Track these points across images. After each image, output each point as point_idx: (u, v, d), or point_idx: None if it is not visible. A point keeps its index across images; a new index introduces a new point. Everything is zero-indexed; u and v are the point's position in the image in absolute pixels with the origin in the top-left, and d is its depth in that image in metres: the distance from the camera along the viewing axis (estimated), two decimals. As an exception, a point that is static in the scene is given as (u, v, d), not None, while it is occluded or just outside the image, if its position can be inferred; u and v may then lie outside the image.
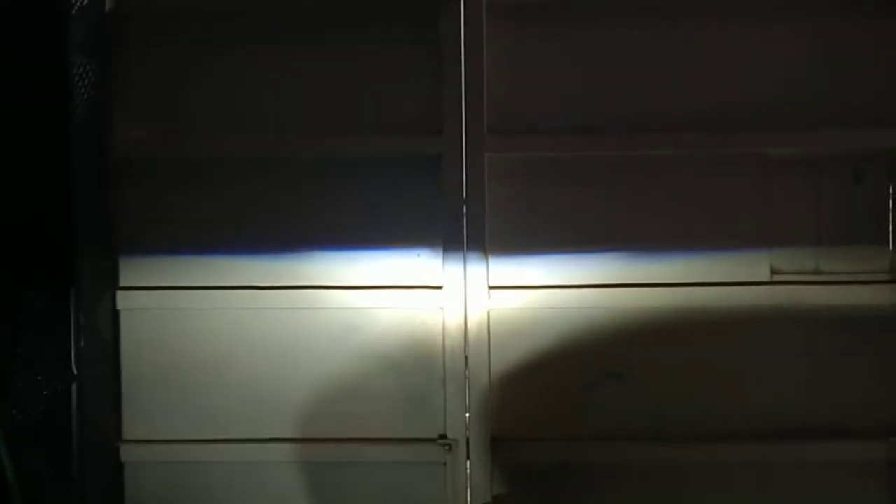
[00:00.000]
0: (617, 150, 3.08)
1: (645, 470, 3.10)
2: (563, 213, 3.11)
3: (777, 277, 3.09)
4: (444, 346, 3.10)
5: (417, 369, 3.13)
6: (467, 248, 3.07)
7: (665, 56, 3.09)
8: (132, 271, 3.17)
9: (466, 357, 3.09)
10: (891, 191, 3.09)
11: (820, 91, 3.08)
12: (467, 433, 3.09)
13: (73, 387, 2.89)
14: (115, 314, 3.15)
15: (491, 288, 3.09)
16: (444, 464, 3.09)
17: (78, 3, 2.91)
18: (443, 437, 3.10)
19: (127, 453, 3.17)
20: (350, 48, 3.13)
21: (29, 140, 2.86)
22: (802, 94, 3.08)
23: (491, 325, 3.10)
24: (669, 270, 3.10)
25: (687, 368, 3.10)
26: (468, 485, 3.09)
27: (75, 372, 2.89)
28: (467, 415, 3.09)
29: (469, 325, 3.08)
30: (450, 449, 3.09)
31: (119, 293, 3.15)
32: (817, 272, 3.09)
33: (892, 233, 3.09)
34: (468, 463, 3.09)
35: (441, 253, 3.09)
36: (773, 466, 3.09)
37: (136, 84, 3.15)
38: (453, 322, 3.09)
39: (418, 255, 3.12)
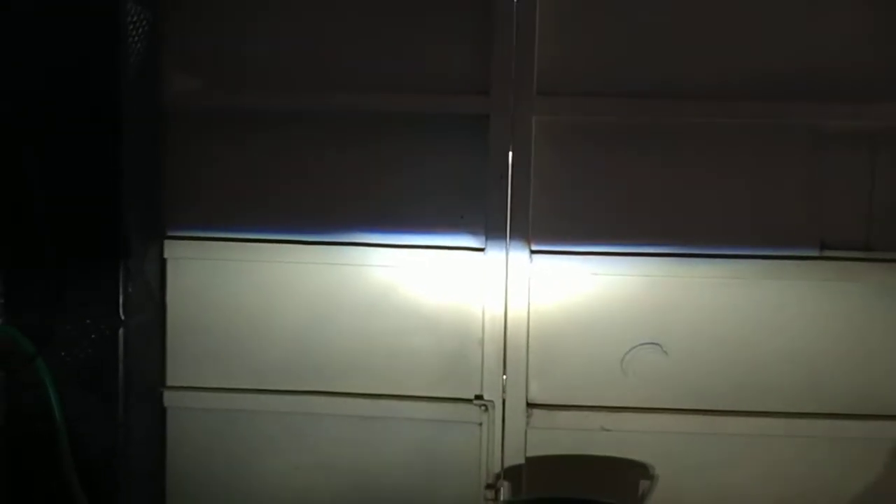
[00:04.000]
0: (666, 116, 3.03)
1: (681, 440, 3.09)
2: (609, 179, 3.08)
3: (827, 253, 3.03)
4: (483, 307, 3.10)
5: (457, 329, 3.15)
6: (511, 211, 3.05)
7: (721, 20, 3.01)
8: (180, 221, 3.21)
9: (506, 319, 3.09)
10: (948, 167, 3.00)
11: (879, 60, 2.98)
12: (504, 395, 3.11)
13: (120, 332, 2.94)
14: (162, 263, 3.20)
15: (533, 252, 3.07)
16: (480, 424, 3.12)
17: (132, -47, 2.92)
18: (479, 397, 3.12)
19: (170, 399, 3.23)
20: (402, 4, 3.11)
21: (80, 89, 2.88)
22: (860, 64, 2.98)
23: (531, 288, 3.09)
24: (716, 241, 3.05)
25: (729, 341, 3.07)
26: (502, 446, 3.11)
27: (122, 318, 2.94)
28: (504, 377, 3.10)
29: (509, 289, 3.08)
30: (486, 410, 3.11)
31: (166, 242, 3.19)
32: (867, 248, 3.02)
33: (947, 211, 3.01)
34: (503, 424, 3.11)
35: (484, 215, 3.08)
36: (813, 441, 3.06)
37: (190, 35, 3.15)
38: (494, 284, 3.09)
39: (462, 217, 3.11)
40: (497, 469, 3.11)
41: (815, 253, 3.04)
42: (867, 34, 2.99)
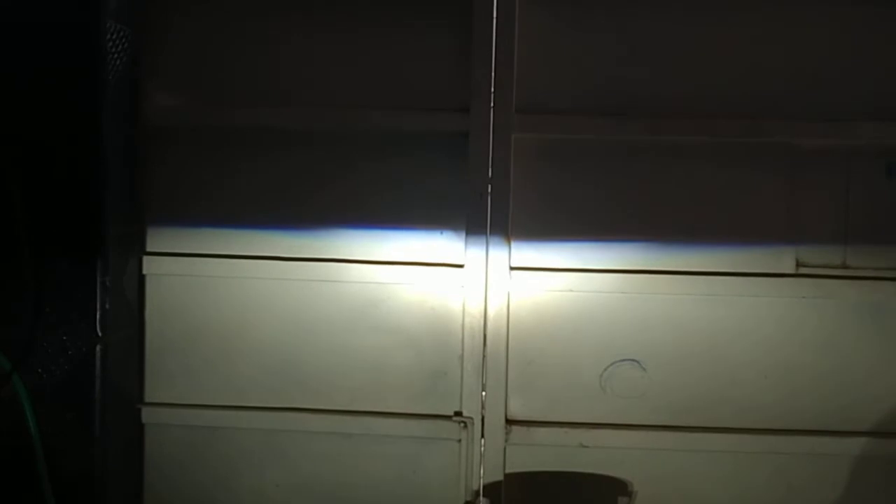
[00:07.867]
0: (644, 134, 3.05)
1: (659, 456, 3.10)
2: (588, 196, 3.09)
3: (803, 270, 3.05)
4: (463, 324, 3.10)
5: (436, 346, 3.14)
6: (490, 227, 3.06)
7: (698, 40, 3.04)
8: (159, 237, 3.20)
9: (485, 336, 3.09)
10: (925, 186, 3.03)
11: (854, 81, 3.01)
12: (483, 412, 3.11)
13: (97, 349, 2.93)
14: (141, 279, 3.18)
15: (512, 269, 3.08)
16: (459, 441, 3.11)
17: (111, -31, 2.92)
18: (458, 414, 3.12)
19: (148, 415, 3.22)
20: (381, 21, 3.12)
21: (60, 105, 2.88)
22: (835, 82, 3.01)
23: (511, 305, 3.09)
24: (693, 258, 3.07)
25: (706, 358, 3.08)
26: (482, 463, 3.11)
27: (100, 334, 2.93)
28: (483, 394, 3.11)
29: (489, 305, 3.08)
30: (465, 426, 3.11)
31: (145, 258, 3.18)
32: (844, 266, 3.04)
33: (924, 229, 3.03)
34: (482, 441, 3.11)
35: (464, 231, 3.08)
36: (791, 457, 3.07)
37: (168, 52, 3.16)
38: (473, 300, 3.09)
39: (441, 233, 3.12)
40: (476, 486, 3.11)
41: (792, 270, 3.05)
42: (842, 53, 3.02)
